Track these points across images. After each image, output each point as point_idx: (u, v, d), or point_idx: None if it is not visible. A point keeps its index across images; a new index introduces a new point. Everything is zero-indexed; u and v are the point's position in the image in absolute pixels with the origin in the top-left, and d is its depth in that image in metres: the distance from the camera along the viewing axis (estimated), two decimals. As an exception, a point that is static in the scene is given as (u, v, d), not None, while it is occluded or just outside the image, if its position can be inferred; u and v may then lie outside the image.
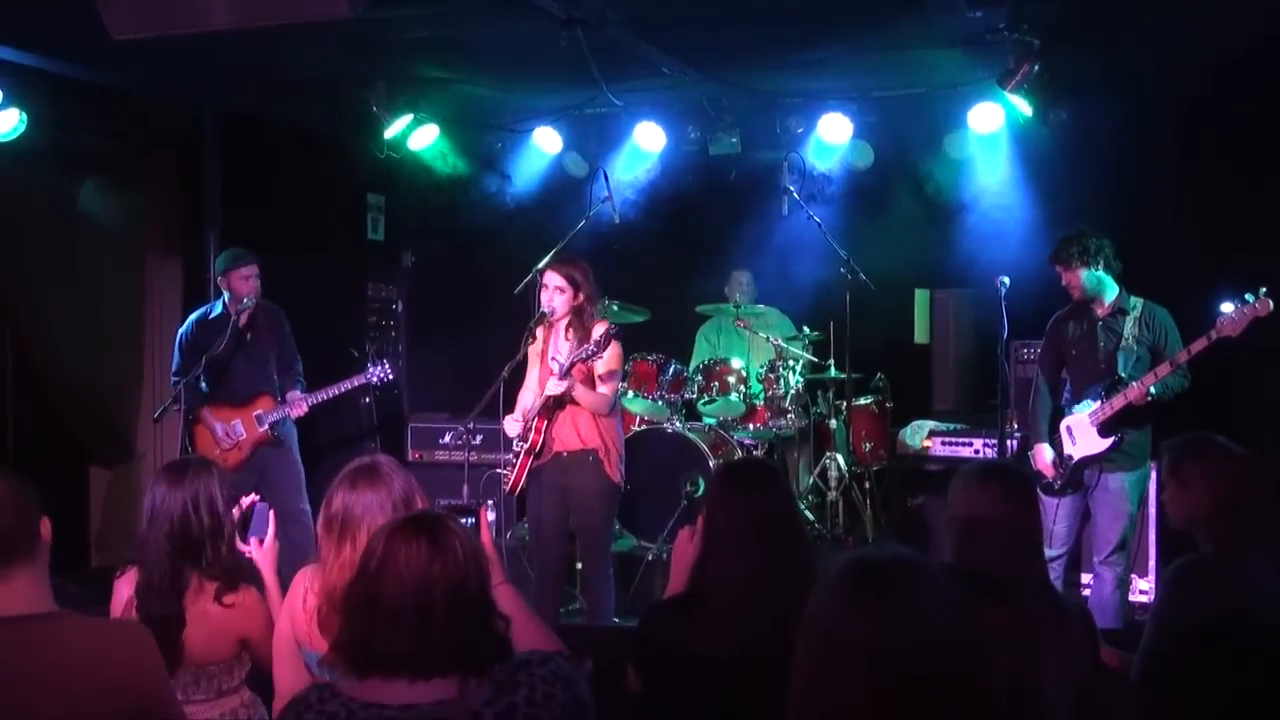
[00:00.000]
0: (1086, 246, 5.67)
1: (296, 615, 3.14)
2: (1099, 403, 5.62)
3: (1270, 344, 5.56)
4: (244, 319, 6.69)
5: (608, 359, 5.65)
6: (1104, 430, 5.63)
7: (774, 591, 2.95)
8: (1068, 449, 5.73)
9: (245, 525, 3.74)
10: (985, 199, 7.72)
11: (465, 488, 6.04)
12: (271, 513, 3.88)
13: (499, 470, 6.20)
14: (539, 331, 5.86)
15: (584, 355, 5.53)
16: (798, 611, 1.82)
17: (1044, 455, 5.83)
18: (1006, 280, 5.86)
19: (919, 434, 7.49)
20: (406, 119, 7.83)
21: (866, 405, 7.77)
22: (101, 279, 7.69)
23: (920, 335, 8.10)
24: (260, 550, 3.81)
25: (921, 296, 8.08)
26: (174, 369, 6.74)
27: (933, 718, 1.63)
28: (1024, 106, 6.98)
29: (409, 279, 9.39)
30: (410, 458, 8.13)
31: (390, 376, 7.04)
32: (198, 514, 3.56)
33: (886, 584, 1.69)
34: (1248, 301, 5.26)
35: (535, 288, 5.96)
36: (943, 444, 7.32)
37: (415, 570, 2.24)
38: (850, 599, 1.70)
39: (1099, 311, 5.78)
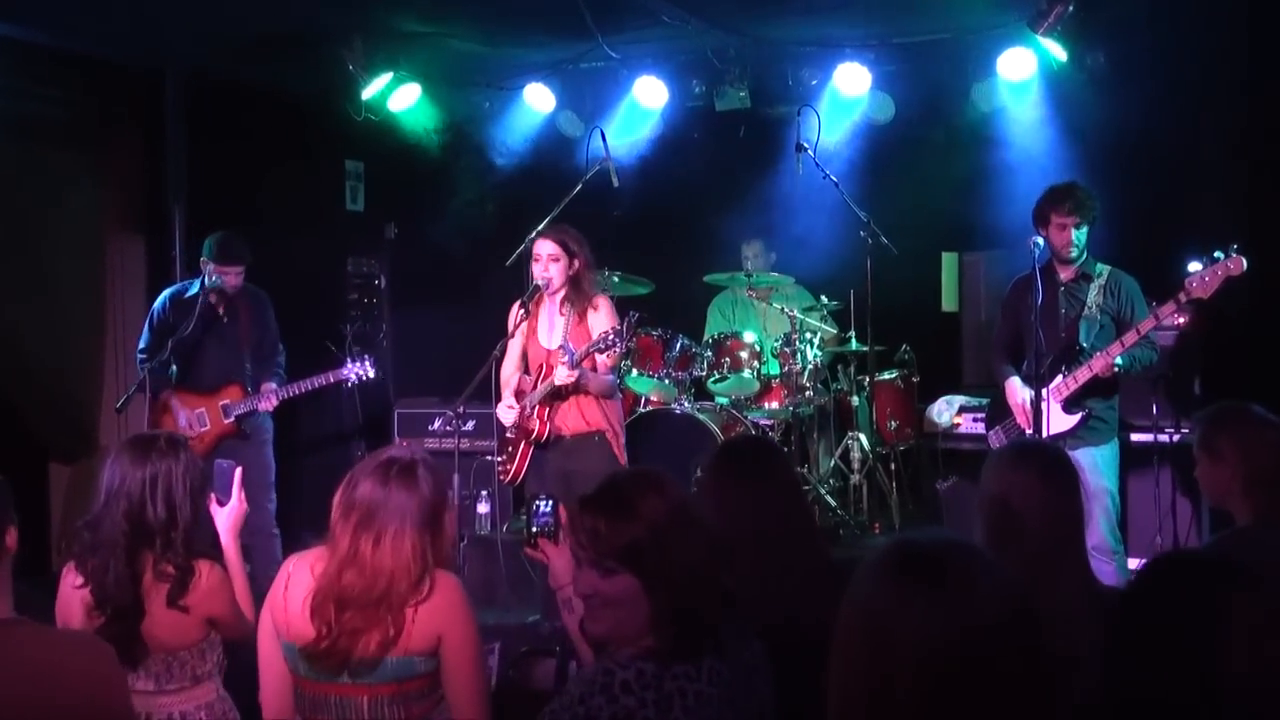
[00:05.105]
0: (1096, 205, 5.68)
1: (276, 604, 3.14)
2: (1060, 377, 5.60)
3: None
4: (219, 303, 6.76)
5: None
6: (1069, 406, 5.61)
7: (778, 580, 2.99)
8: (1030, 430, 5.67)
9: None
10: (1016, 153, 7.65)
11: (456, 477, 6.02)
12: (238, 471, 3.89)
13: (491, 458, 6.19)
14: (531, 305, 5.87)
15: (601, 346, 5.54)
16: (808, 602, 1.83)
17: (1017, 391, 5.76)
18: (1040, 241, 5.80)
19: (948, 410, 7.47)
20: (386, 78, 7.82)
21: (891, 380, 7.75)
22: (58, 259, 7.65)
23: (948, 303, 8.08)
24: (221, 512, 3.84)
25: (949, 260, 8.06)
26: (141, 347, 6.78)
27: (986, 707, 1.65)
28: (1058, 51, 6.95)
29: (392, 252, 9.37)
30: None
31: (371, 375, 6.96)
32: (154, 501, 3.56)
33: (936, 572, 1.70)
34: (1217, 259, 5.20)
35: (528, 259, 5.96)
36: (974, 420, 7.28)
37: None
38: (897, 589, 1.71)
39: (1063, 276, 5.76)
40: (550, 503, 3.21)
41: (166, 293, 6.88)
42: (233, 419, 6.73)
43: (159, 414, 6.74)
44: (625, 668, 2.44)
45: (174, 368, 6.70)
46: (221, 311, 6.82)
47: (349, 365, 6.90)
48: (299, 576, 3.12)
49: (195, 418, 6.71)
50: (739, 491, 3.26)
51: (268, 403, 6.78)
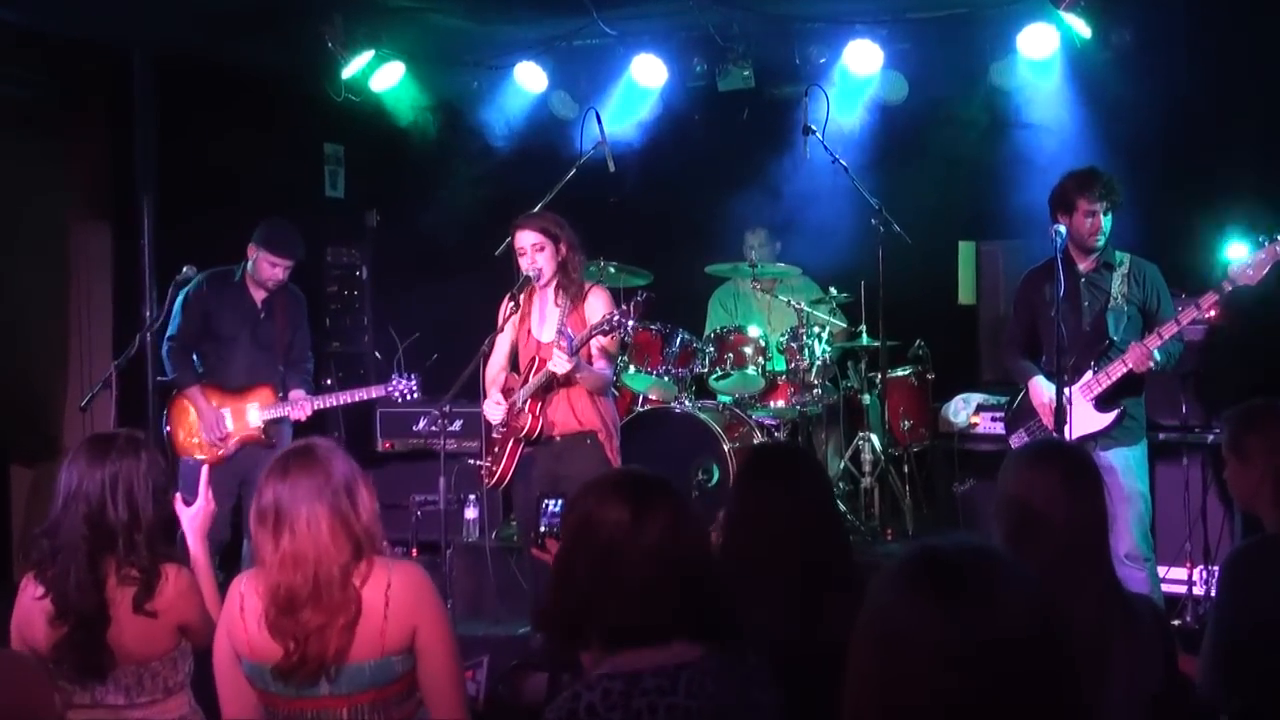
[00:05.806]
0: (1121, 189, 5.65)
1: (234, 626, 3.15)
2: (1091, 373, 5.55)
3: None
4: (259, 296, 6.66)
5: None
6: (1101, 404, 5.55)
7: (808, 590, 3.02)
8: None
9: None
10: (1037, 135, 7.67)
11: (441, 480, 5.99)
12: (205, 469, 3.88)
13: (474, 462, 6.16)
14: (522, 299, 5.84)
15: (606, 328, 5.50)
16: (836, 612, 1.82)
17: (1043, 390, 5.70)
18: (1063, 230, 5.77)
19: (965, 409, 7.43)
20: (367, 56, 7.82)
21: (904, 377, 7.72)
22: (18, 248, 7.64)
23: (965, 295, 8.05)
24: (187, 512, 3.83)
25: (966, 250, 8.03)
26: (171, 333, 6.58)
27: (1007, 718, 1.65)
28: (1081, 27, 6.95)
29: (374, 241, 9.34)
30: (380, 447, 8.09)
31: (416, 396, 6.80)
32: (114, 502, 3.57)
33: (960, 581, 1.70)
34: (1263, 244, 5.19)
35: (515, 252, 5.92)
36: (993, 420, 7.25)
37: (650, 541, 2.52)
38: (920, 598, 1.71)
39: (1082, 266, 5.73)
40: (560, 502, 3.23)
41: (202, 276, 6.60)
42: (260, 424, 6.57)
43: (175, 404, 6.62)
44: (592, 689, 2.48)
45: (198, 359, 6.62)
46: (259, 306, 6.69)
47: (395, 382, 6.75)
48: (251, 599, 3.13)
49: (217, 417, 6.54)
50: (761, 496, 3.31)
51: (300, 411, 6.60)
